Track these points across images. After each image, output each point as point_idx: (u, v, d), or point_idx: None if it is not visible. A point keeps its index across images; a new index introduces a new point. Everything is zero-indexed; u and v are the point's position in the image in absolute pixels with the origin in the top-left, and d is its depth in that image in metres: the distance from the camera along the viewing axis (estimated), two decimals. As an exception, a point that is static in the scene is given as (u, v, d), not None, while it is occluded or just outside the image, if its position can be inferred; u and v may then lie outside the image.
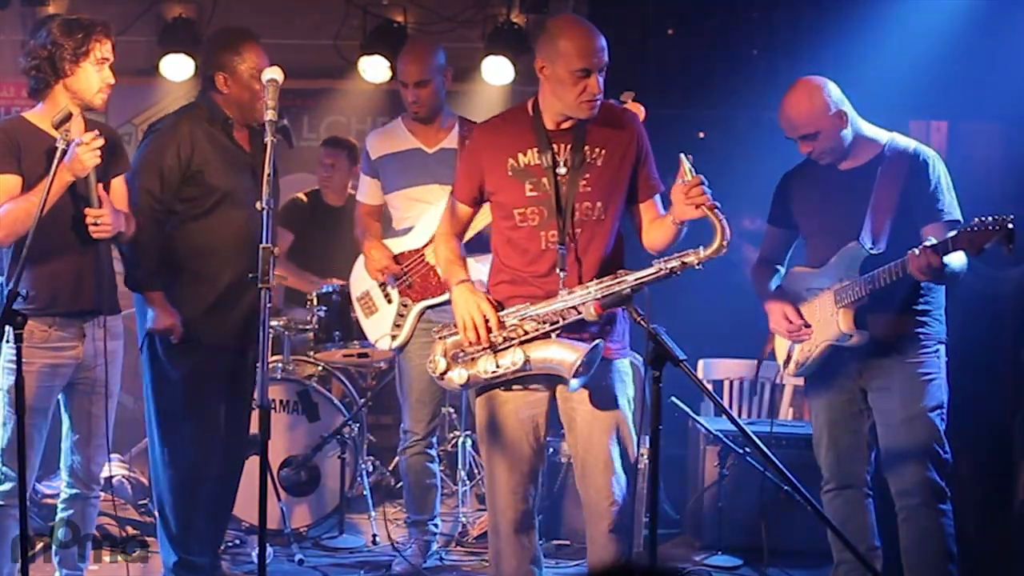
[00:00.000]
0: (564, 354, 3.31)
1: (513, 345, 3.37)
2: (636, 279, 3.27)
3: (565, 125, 3.39)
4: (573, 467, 3.61)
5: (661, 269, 3.24)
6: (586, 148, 3.39)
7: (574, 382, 3.32)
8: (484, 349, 3.39)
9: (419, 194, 4.54)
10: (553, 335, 3.36)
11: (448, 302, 4.44)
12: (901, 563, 3.81)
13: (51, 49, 3.64)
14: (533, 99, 3.45)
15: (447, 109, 4.64)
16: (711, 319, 5.76)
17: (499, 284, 3.49)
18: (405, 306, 4.57)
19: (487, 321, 3.36)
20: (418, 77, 4.47)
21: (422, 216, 4.53)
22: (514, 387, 3.47)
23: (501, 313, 3.40)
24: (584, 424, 3.48)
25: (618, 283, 3.29)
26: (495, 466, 3.52)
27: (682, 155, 3.21)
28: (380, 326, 4.65)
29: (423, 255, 4.53)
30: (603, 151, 3.41)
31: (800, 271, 3.97)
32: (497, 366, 3.38)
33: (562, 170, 3.38)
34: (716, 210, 3.18)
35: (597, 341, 3.34)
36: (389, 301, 4.63)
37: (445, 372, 3.46)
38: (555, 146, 3.39)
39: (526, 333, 3.36)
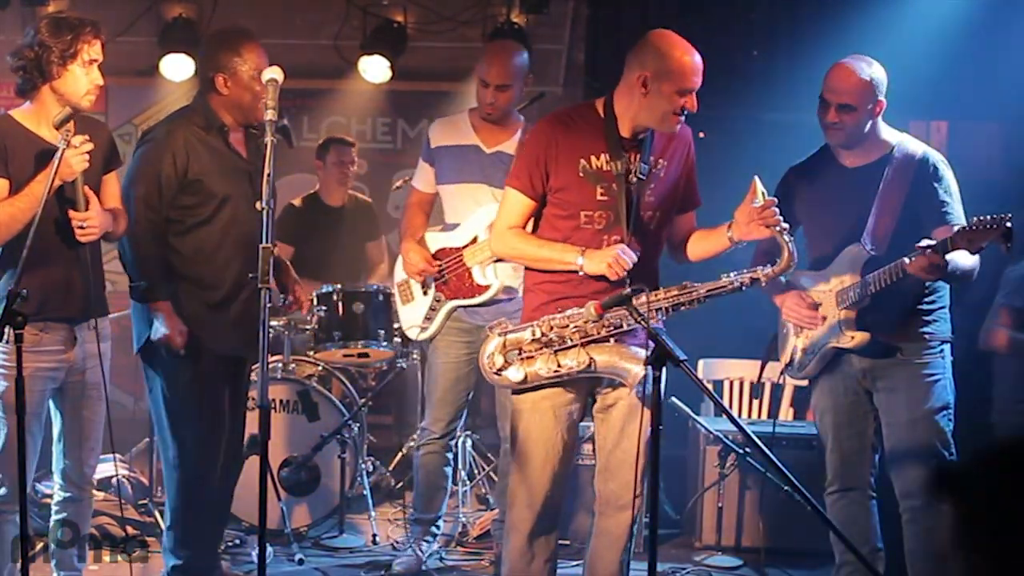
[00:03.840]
0: (630, 364, 3.36)
1: (576, 345, 3.39)
2: (707, 291, 3.36)
3: (640, 135, 3.45)
4: (597, 460, 3.61)
5: (732, 283, 3.35)
6: (652, 159, 3.46)
7: (635, 389, 3.39)
8: (542, 348, 3.41)
9: (469, 192, 4.50)
10: (612, 340, 3.39)
11: (480, 304, 4.48)
12: (904, 565, 3.80)
13: (38, 51, 3.56)
14: (603, 103, 3.47)
15: (516, 113, 4.59)
16: (711, 319, 5.75)
17: (548, 283, 3.49)
18: (438, 301, 4.57)
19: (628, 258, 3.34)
20: (501, 80, 4.41)
21: (469, 216, 4.49)
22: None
23: (568, 313, 3.40)
24: (619, 418, 3.51)
25: (686, 293, 3.36)
26: (526, 462, 3.52)
27: (756, 178, 3.33)
28: (413, 315, 4.65)
29: (462, 256, 4.49)
30: (666, 163, 3.50)
31: (801, 274, 3.96)
32: (559, 365, 3.40)
33: (633, 179, 3.43)
34: (785, 232, 3.33)
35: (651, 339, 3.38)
36: (425, 293, 4.62)
37: (501, 369, 3.47)
38: (627, 154, 3.43)
39: (587, 335, 3.38)
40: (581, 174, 3.42)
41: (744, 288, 3.36)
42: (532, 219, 3.57)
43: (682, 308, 3.39)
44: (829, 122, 3.75)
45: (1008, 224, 3.33)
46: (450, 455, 4.71)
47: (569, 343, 3.39)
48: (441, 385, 4.59)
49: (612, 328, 3.38)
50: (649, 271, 3.50)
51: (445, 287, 4.56)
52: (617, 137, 3.43)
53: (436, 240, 4.60)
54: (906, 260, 3.52)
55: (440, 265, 4.54)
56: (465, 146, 4.52)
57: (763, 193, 3.31)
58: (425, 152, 4.65)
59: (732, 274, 3.36)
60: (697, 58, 3.37)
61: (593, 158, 3.42)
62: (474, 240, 4.47)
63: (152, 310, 3.89)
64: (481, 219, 4.45)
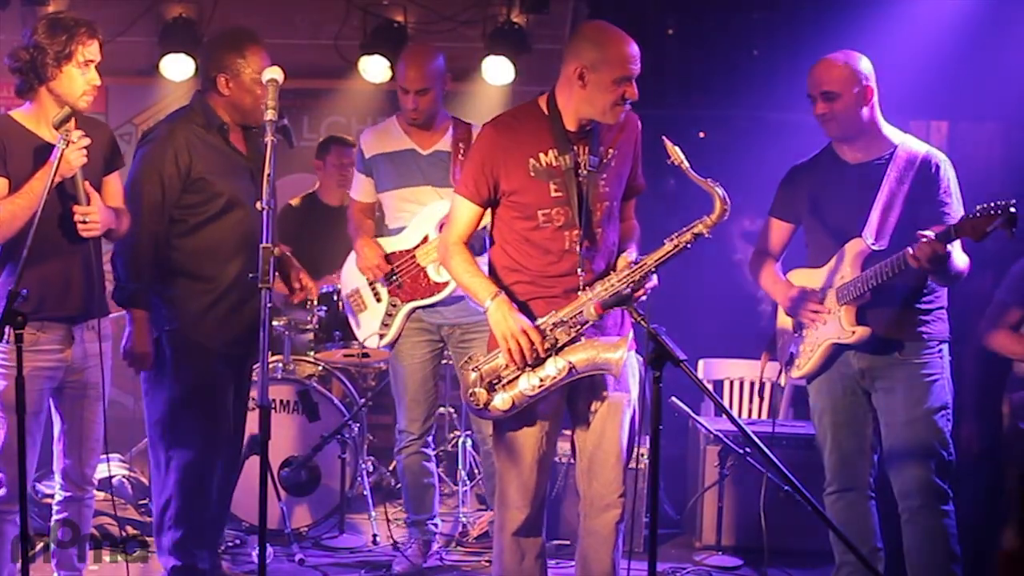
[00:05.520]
0: (608, 353, 3.35)
1: (550, 355, 3.37)
2: (656, 260, 3.33)
3: (587, 127, 3.42)
4: (578, 461, 3.60)
5: (677, 245, 3.31)
6: (602, 149, 3.44)
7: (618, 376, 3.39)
8: (522, 369, 3.39)
9: (412, 195, 4.55)
10: (582, 338, 3.38)
11: (438, 303, 4.50)
12: (904, 565, 3.80)
13: (33, 52, 3.57)
14: (546, 99, 3.45)
15: (442, 111, 4.63)
16: (711, 319, 5.77)
17: (516, 284, 3.46)
18: (394, 306, 4.59)
19: (532, 343, 3.33)
20: (420, 85, 4.45)
21: (414, 217, 4.54)
22: None
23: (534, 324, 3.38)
24: (599, 419, 3.50)
25: (639, 268, 3.34)
26: (515, 465, 3.51)
27: (664, 138, 3.25)
28: (369, 324, 4.66)
29: (414, 256, 4.53)
30: (615, 151, 3.47)
31: (801, 272, 3.96)
32: (540, 380, 3.38)
33: (583, 172, 3.40)
34: (709, 180, 3.26)
35: (629, 333, 3.39)
36: (378, 300, 4.64)
37: (487, 403, 3.44)
38: (575, 148, 3.40)
39: (557, 341, 3.37)
40: (532, 173, 3.40)
41: (689, 246, 3.30)
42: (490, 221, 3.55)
43: (639, 287, 3.34)
44: (819, 114, 3.77)
45: (1013, 209, 3.33)
46: (430, 451, 4.73)
47: (542, 355, 3.37)
48: (411, 387, 4.61)
49: (579, 326, 3.37)
50: (611, 259, 3.49)
51: (400, 291, 4.57)
52: (563, 131, 3.40)
53: (384, 245, 4.61)
54: (909, 250, 3.52)
55: (392, 269, 4.55)
56: (402, 151, 4.56)
57: (676, 150, 3.25)
58: (359, 163, 4.68)
59: (674, 236, 3.32)
60: (633, 47, 3.33)
61: (542, 155, 3.40)
62: (425, 239, 4.51)
63: (130, 317, 3.88)
64: (428, 218, 4.50)
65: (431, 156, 4.55)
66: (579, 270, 3.39)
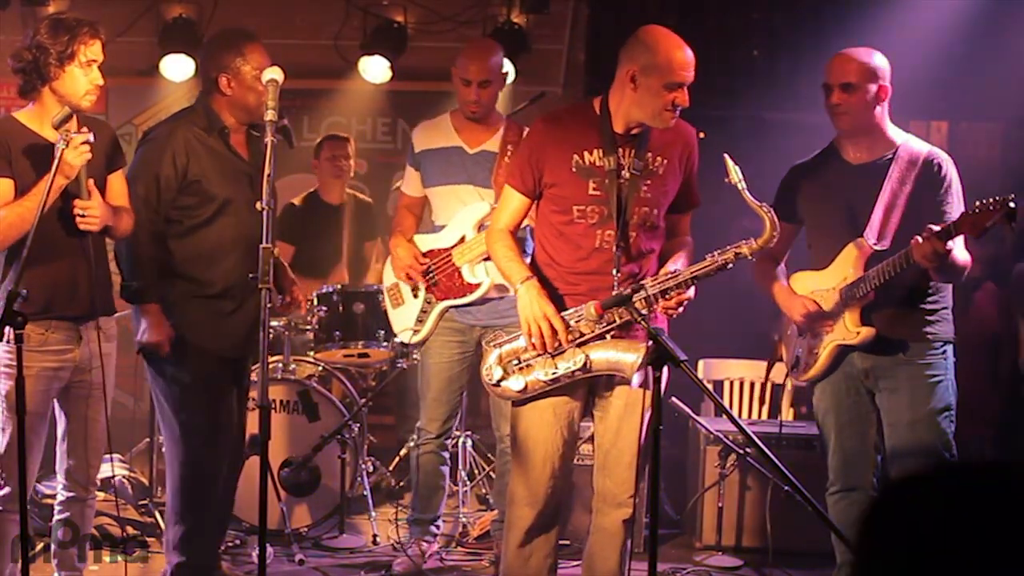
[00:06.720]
0: (626, 355, 3.35)
1: (571, 347, 3.39)
2: (692, 272, 3.34)
3: (635, 131, 3.44)
4: (595, 457, 3.60)
5: (716, 261, 3.32)
6: (649, 155, 3.45)
7: (635, 379, 3.38)
8: (541, 354, 3.41)
9: (454, 193, 4.54)
10: (608, 335, 3.39)
11: (470, 304, 4.50)
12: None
13: (36, 52, 3.57)
14: (600, 100, 3.48)
15: (497, 111, 4.63)
16: (711, 319, 5.76)
17: (549, 280, 3.49)
18: (429, 303, 4.59)
19: (554, 330, 3.36)
20: (483, 76, 4.45)
21: (454, 216, 4.53)
22: None
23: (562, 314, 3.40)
24: (616, 417, 3.52)
25: (673, 277, 3.34)
26: (526, 461, 3.52)
27: (726, 155, 3.26)
28: (404, 319, 4.67)
29: (450, 255, 4.53)
30: (664, 160, 3.48)
31: (804, 275, 3.95)
32: (556, 369, 3.40)
33: (625, 174, 3.42)
34: (764, 205, 3.29)
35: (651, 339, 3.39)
36: (415, 295, 4.64)
37: (501, 381, 3.47)
38: (620, 150, 3.43)
39: (582, 335, 3.39)
40: (574, 169, 3.43)
41: (730, 265, 3.31)
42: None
43: (671, 293, 3.35)
44: (833, 104, 3.73)
45: (1012, 204, 3.31)
46: (446, 454, 4.74)
47: (564, 346, 3.39)
48: (435, 386, 4.62)
49: (606, 325, 3.38)
50: (647, 266, 3.50)
51: (435, 288, 4.58)
52: (611, 133, 3.43)
53: (424, 242, 4.62)
54: (911, 246, 3.51)
55: (428, 265, 4.56)
56: (449, 148, 4.56)
57: (735, 170, 3.26)
58: (410, 157, 4.68)
59: (715, 252, 3.33)
60: (687, 53, 3.35)
61: (586, 153, 3.43)
62: (462, 239, 4.51)
63: (140, 312, 3.89)
64: (467, 218, 4.49)
65: (477, 155, 4.53)
66: (614, 270, 3.41)
